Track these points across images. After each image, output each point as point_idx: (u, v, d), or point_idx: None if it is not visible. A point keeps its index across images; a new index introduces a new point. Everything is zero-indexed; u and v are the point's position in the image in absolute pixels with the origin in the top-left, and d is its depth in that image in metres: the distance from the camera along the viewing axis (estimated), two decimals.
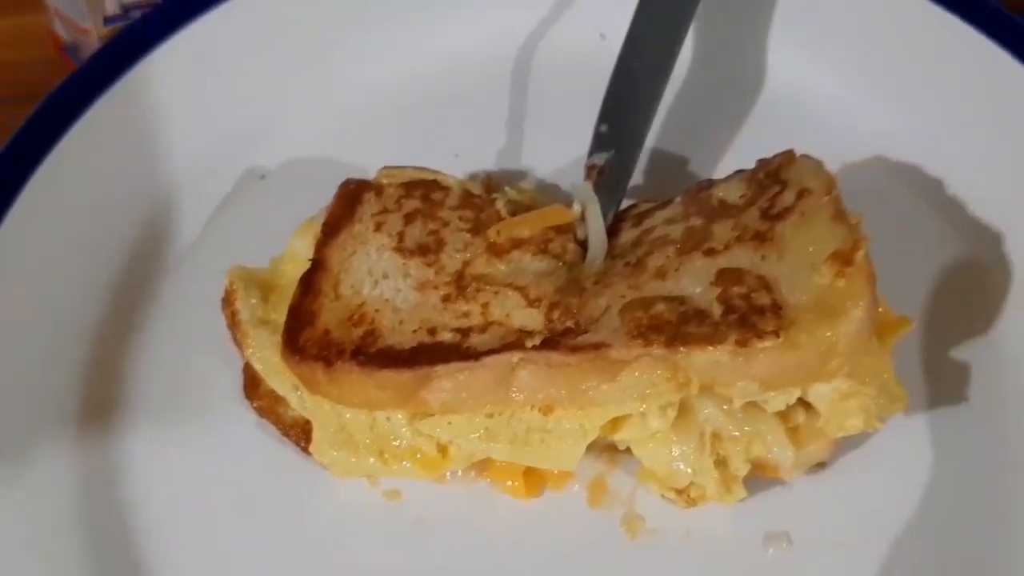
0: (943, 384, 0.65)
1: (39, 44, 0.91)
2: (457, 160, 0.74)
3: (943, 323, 0.67)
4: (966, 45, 0.74)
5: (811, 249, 0.55)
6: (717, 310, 0.55)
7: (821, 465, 0.62)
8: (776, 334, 0.52)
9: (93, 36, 0.83)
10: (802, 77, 0.78)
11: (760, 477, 0.61)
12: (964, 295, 0.69)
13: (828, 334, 0.52)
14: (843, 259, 0.53)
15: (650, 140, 0.71)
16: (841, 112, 0.77)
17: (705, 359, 0.54)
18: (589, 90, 0.71)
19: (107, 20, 0.83)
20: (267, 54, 0.79)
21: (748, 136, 0.78)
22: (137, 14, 0.83)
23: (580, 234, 0.64)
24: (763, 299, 0.54)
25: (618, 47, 0.72)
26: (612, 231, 0.66)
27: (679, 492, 0.61)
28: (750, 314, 0.54)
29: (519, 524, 0.62)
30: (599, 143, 0.69)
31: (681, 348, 0.53)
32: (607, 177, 0.67)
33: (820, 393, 0.57)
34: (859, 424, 0.57)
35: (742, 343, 0.52)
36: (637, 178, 0.73)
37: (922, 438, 0.63)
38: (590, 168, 0.68)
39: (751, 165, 0.65)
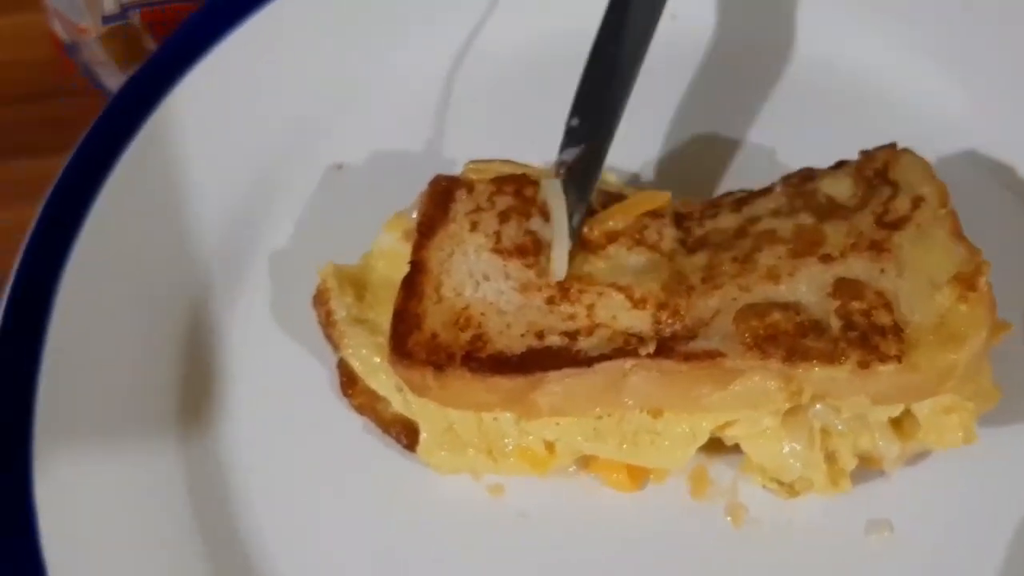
0: None
1: (38, 43, 0.90)
2: (535, 146, 0.73)
3: None
4: None
5: (930, 266, 0.56)
6: (836, 324, 0.55)
7: (921, 454, 0.63)
8: (898, 359, 0.53)
9: (92, 35, 0.82)
10: (883, 60, 0.77)
11: (861, 467, 0.62)
12: None
13: (949, 359, 0.53)
14: (966, 283, 0.54)
15: (728, 127, 0.70)
16: (923, 97, 0.76)
17: (822, 375, 0.54)
18: (661, 72, 0.70)
19: (105, 19, 0.82)
20: (332, 43, 0.78)
21: (817, 118, 0.76)
22: (135, 13, 0.82)
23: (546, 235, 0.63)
24: (884, 318, 0.54)
25: (691, 26, 0.71)
26: (711, 215, 0.65)
27: (783, 484, 0.62)
28: (871, 333, 0.54)
29: (624, 516, 0.63)
30: (570, 138, 0.67)
31: (799, 364, 0.54)
32: (576, 174, 0.65)
33: (922, 405, 0.57)
34: (958, 440, 0.58)
35: (863, 365, 0.53)
36: (715, 165, 0.72)
37: (1022, 432, 0.63)
38: (559, 165, 0.66)
39: (830, 149, 0.64)
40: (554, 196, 0.63)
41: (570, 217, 0.63)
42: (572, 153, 0.66)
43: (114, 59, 0.84)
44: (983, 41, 0.76)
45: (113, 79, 0.85)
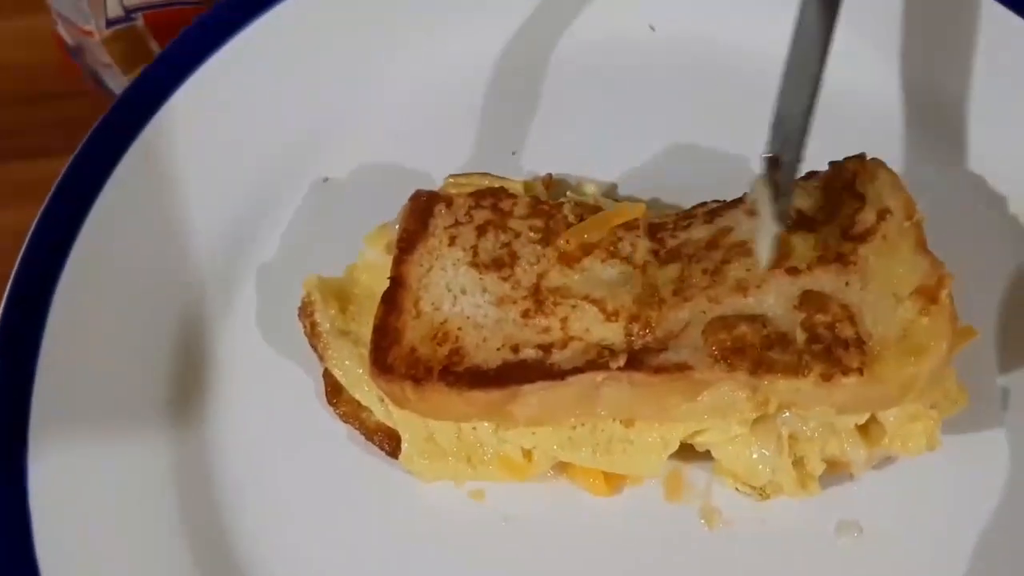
0: (1008, 383, 0.66)
1: (43, 46, 0.90)
2: (515, 159, 0.75)
3: (1008, 324, 0.68)
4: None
5: (894, 279, 0.57)
6: (801, 336, 0.56)
7: (888, 457, 0.65)
8: (860, 371, 0.54)
9: (96, 38, 0.82)
10: (857, 72, 0.77)
11: (830, 472, 0.64)
12: None
13: (911, 372, 0.54)
14: (928, 296, 0.55)
15: (705, 137, 0.71)
16: (899, 110, 0.77)
17: (787, 386, 0.56)
18: (639, 82, 0.71)
19: (109, 22, 0.82)
20: (318, 60, 0.79)
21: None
22: (138, 16, 0.83)
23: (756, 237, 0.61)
24: (847, 331, 0.56)
25: (670, 37, 0.72)
26: (684, 226, 0.66)
27: (754, 487, 0.64)
28: (834, 346, 0.55)
29: (602, 519, 0.65)
30: (775, 133, 0.62)
31: (765, 375, 0.55)
32: (780, 167, 0.61)
33: (887, 412, 0.59)
34: (921, 447, 0.60)
35: (826, 377, 0.55)
36: (692, 176, 0.73)
37: (986, 436, 0.65)
38: (765, 159, 0.62)
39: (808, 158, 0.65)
40: (761, 187, 0.61)
41: (776, 205, 0.60)
42: (776, 147, 0.62)
43: (118, 62, 0.85)
44: (958, 55, 0.76)
45: (117, 81, 0.87)
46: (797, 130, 0.60)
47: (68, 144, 0.74)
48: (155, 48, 0.85)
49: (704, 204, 0.68)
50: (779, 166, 0.61)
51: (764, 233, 0.60)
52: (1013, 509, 0.63)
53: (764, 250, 0.60)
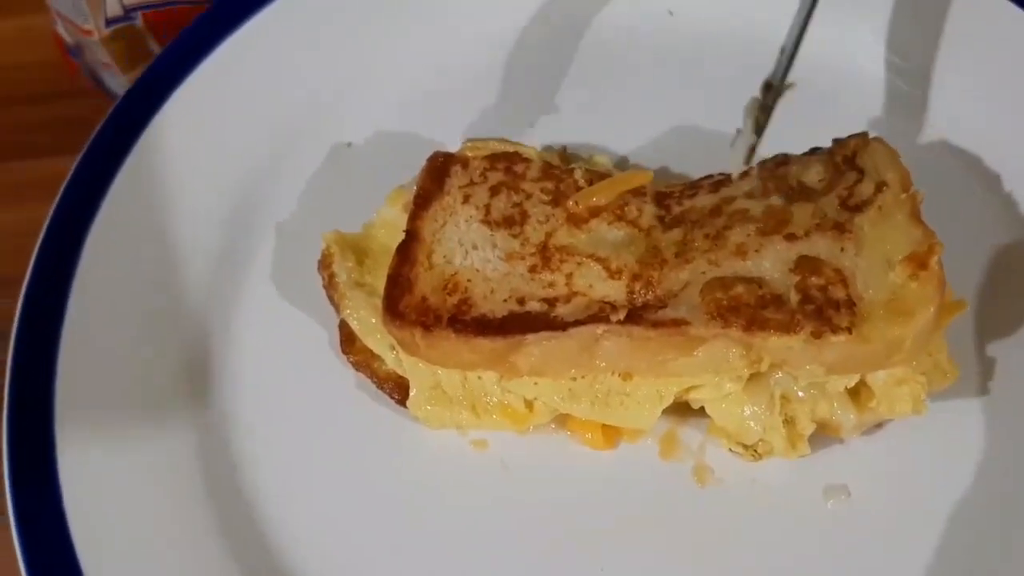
0: (996, 358, 0.69)
1: (42, 45, 0.92)
2: (532, 130, 0.78)
3: (998, 301, 0.70)
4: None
5: (887, 246, 0.59)
6: (794, 298, 0.59)
7: (878, 425, 0.67)
8: (849, 330, 0.57)
9: (95, 38, 0.84)
10: (862, 54, 0.80)
11: (821, 435, 0.66)
12: (1019, 274, 0.72)
13: (897, 333, 0.56)
14: (918, 262, 0.57)
15: (716, 115, 0.74)
16: (900, 91, 0.79)
17: (779, 344, 0.58)
18: (655, 64, 0.74)
19: (109, 22, 0.83)
20: (343, 32, 0.82)
21: (808, 112, 0.77)
22: (137, 15, 0.84)
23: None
24: (839, 293, 0.58)
25: (686, 23, 0.75)
26: (690, 194, 0.69)
27: (746, 447, 0.66)
28: (826, 307, 0.58)
29: (597, 472, 0.68)
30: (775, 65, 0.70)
31: (758, 333, 0.58)
32: (769, 92, 0.69)
33: (877, 376, 0.61)
34: (908, 410, 0.62)
35: (816, 335, 0.57)
36: (701, 152, 0.76)
37: (974, 407, 0.67)
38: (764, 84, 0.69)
39: (813, 137, 0.68)
40: (751, 103, 0.68)
41: (757, 121, 0.67)
42: (773, 74, 0.69)
43: (117, 61, 0.87)
44: (956, 41, 0.79)
45: (116, 81, 0.88)
46: (785, 56, 0.66)
47: (66, 144, 0.75)
48: (154, 47, 0.87)
49: (710, 176, 0.71)
50: (770, 89, 0.67)
51: (741, 141, 0.66)
52: (993, 476, 0.65)
53: (738, 155, 0.66)
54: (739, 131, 0.67)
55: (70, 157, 0.74)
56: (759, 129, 0.66)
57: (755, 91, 0.79)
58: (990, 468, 0.66)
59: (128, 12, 0.84)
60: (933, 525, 0.64)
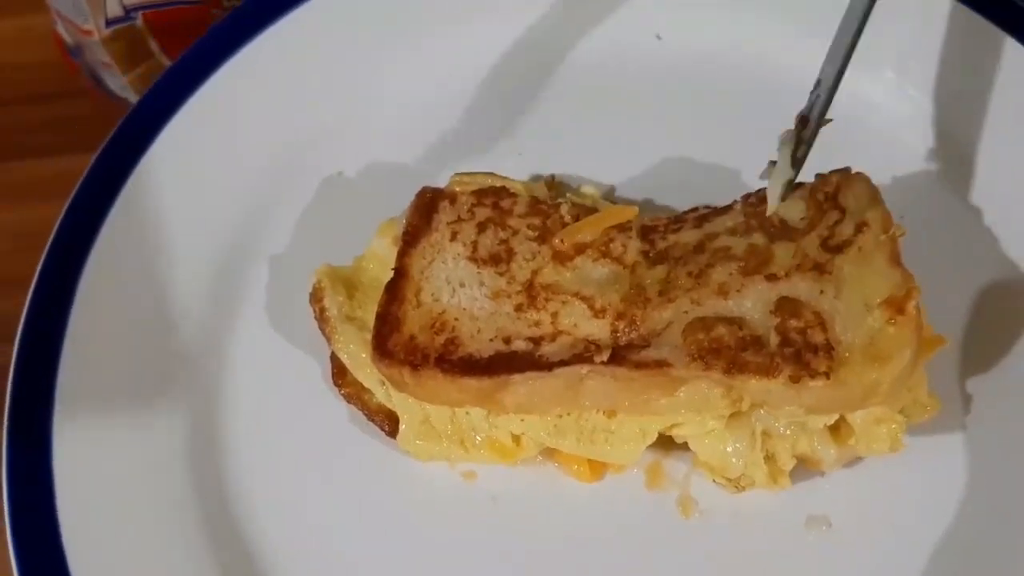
0: (978, 389, 0.70)
1: (42, 45, 0.92)
2: (520, 159, 0.79)
3: (980, 336, 0.71)
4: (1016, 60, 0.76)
5: (866, 289, 0.60)
6: (774, 340, 0.60)
7: (859, 456, 0.68)
8: (827, 375, 0.57)
9: (96, 38, 0.84)
10: (849, 84, 0.80)
11: (802, 468, 0.67)
12: (1003, 309, 0.73)
13: (874, 377, 0.57)
14: (896, 306, 0.58)
15: (700, 143, 0.75)
16: (887, 121, 0.80)
17: (758, 386, 0.59)
18: (643, 90, 0.74)
19: (109, 22, 0.83)
20: (336, 63, 0.83)
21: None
22: (138, 15, 0.84)
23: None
24: (817, 337, 0.59)
25: (674, 48, 0.75)
26: (675, 229, 0.70)
27: (729, 479, 0.67)
28: (804, 350, 0.59)
29: (584, 503, 0.69)
30: (810, 97, 0.68)
31: (738, 375, 0.59)
32: (807, 128, 0.67)
33: (855, 414, 0.62)
34: (885, 448, 0.63)
35: (795, 379, 0.58)
36: (688, 181, 0.77)
37: (955, 438, 0.68)
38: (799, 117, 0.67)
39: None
40: (785, 137, 0.66)
41: (794, 156, 0.66)
42: (808, 108, 0.68)
43: (117, 61, 0.87)
44: (948, 69, 0.80)
45: (116, 81, 0.88)
46: (825, 91, 0.66)
47: (66, 144, 0.75)
48: (155, 47, 0.87)
49: (695, 209, 0.71)
50: (806, 124, 0.66)
51: (777, 177, 0.65)
52: (973, 508, 0.66)
53: (775, 192, 0.65)
54: (772, 163, 0.66)
55: (70, 157, 0.74)
56: (797, 164, 0.65)
57: (742, 117, 0.81)
58: (971, 499, 0.67)
59: (128, 12, 0.84)
60: (914, 555, 0.66)
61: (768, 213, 0.66)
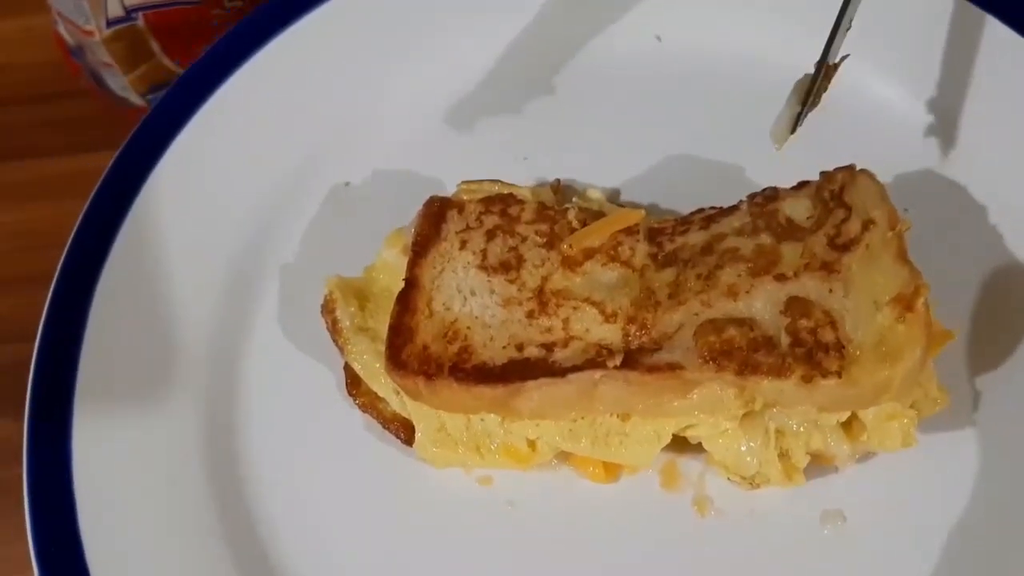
0: (988, 382, 0.70)
1: (43, 46, 0.92)
2: (525, 164, 0.79)
3: (988, 329, 0.72)
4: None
5: (875, 287, 0.60)
6: (785, 340, 0.60)
7: (872, 453, 0.69)
8: (838, 374, 0.58)
9: (97, 38, 0.84)
10: (853, 79, 0.80)
11: (816, 463, 0.68)
12: (1008, 301, 0.73)
13: (885, 375, 0.58)
14: (905, 303, 0.58)
15: (707, 144, 0.74)
16: (892, 118, 0.80)
17: (771, 386, 0.60)
18: (645, 92, 0.75)
19: (110, 22, 0.83)
20: (342, 76, 0.84)
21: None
22: (139, 16, 0.84)
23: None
24: (828, 336, 0.60)
25: (674, 50, 0.76)
26: (682, 231, 0.70)
27: (744, 478, 0.68)
28: (816, 350, 0.59)
29: (600, 505, 0.70)
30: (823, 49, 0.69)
31: (750, 376, 0.59)
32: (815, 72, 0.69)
33: (867, 411, 0.63)
34: (897, 444, 0.63)
35: (807, 379, 0.58)
36: (693, 182, 0.77)
37: (967, 432, 0.69)
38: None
39: (802, 167, 0.69)
40: (799, 82, 0.68)
41: (803, 103, 0.67)
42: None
43: (118, 61, 0.86)
44: (952, 67, 0.80)
45: (117, 81, 0.88)
46: (829, 38, 0.67)
47: (68, 144, 0.74)
48: (156, 48, 0.87)
49: (701, 210, 0.72)
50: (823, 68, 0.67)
51: (785, 111, 0.66)
52: (985, 500, 0.67)
53: (781, 126, 0.66)
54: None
55: (71, 158, 0.74)
56: (805, 100, 0.65)
57: (744, 117, 0.80)
58: (983, 491, 0.67)
59: (129, 13, 0.84)
60: (928, 547, 0.66)
61: (777, 149, 0.66)
